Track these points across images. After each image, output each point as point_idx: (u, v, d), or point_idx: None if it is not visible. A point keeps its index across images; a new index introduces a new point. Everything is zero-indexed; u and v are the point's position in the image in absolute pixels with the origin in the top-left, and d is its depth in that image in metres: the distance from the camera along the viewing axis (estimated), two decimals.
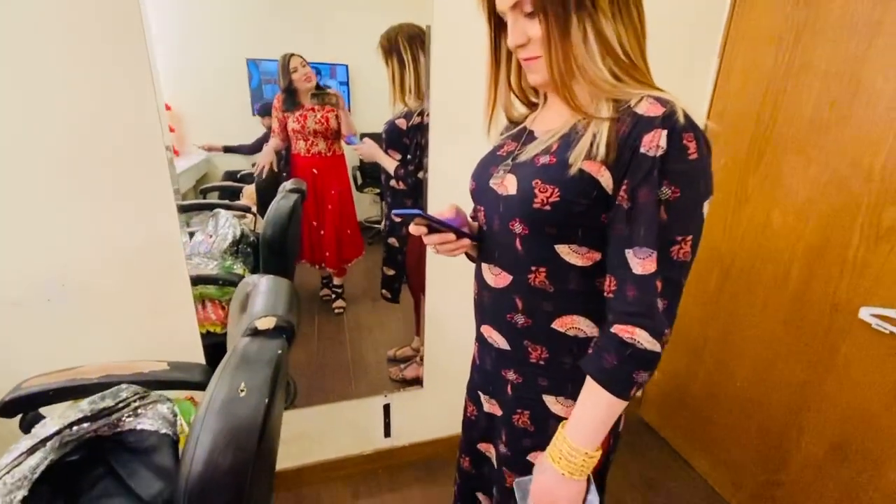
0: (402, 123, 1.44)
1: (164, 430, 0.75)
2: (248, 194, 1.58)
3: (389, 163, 1.48)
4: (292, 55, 1.37)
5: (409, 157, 1.46)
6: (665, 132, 0.55)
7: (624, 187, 0.58)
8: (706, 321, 1.59)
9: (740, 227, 1.45)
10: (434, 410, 1.66)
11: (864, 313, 1.09)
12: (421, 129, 1.39)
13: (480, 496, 0.94)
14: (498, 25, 0.70)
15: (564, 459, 0.64)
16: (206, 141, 1.40)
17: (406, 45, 1.37)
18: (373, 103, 1.47)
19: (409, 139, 1.45)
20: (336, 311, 1.71)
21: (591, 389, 0.63)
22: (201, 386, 0.94)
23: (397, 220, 1.60)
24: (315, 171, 1.54)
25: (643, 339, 0.58)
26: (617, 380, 0.61)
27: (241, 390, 0.59)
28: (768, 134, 1.33)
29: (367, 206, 1.66)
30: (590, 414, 0.64)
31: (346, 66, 1.44)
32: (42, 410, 0.90)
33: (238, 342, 0.67)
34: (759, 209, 1.38)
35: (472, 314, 0.82)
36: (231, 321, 0.92)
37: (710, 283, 1.56)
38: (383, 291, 1.69)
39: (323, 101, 1.42)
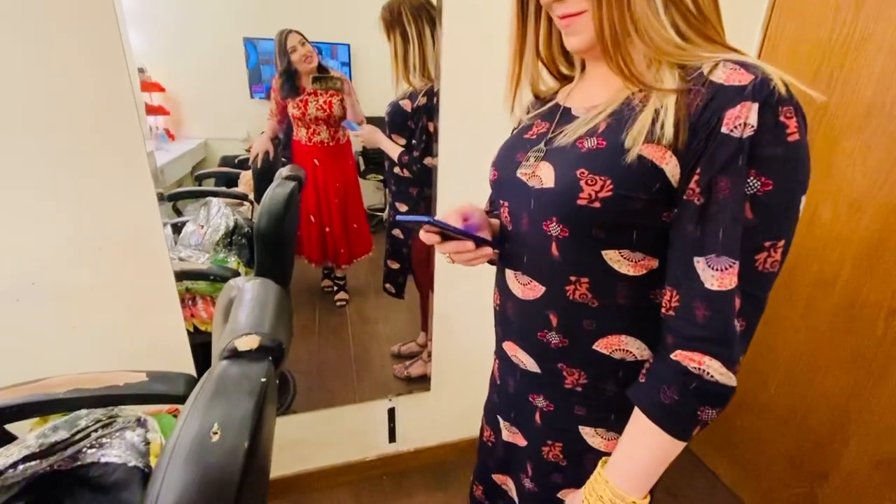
0: (406, 105, 1.31)
1: (132, 463, 0.65)
2: (246, 181, 1.48)
3: (393, 148, 1.35)
4: (290, 32, 1.24)
5: (413, 141, 1.33)
6: (756, 106, 0.42)
7: (696, 178, 0.46)
8: None
9: None
10: (441, 414, 1.56)
11: None
12: (427, 112, 1.26)
13: None
14: None
15: None
16: None
17: (410, 18, 1.23)
18: (376, 86, 1.35)
19: (414, 122, 1.32)
20: (338, 303, 1.62)
21: (643, 426, 0.51)
22: (185, 399, 0.84)
23: (409, 226, 1.49)
24: (317, 161, 1.42)
25: (714, 369, 0.47)
26: (677, 418, 0.49)
27: (215, 432, 0.48)
28: (819, 117, 1.18)
29: (370, 193, 1.56)
30: (639, 456, 0.52)
31: (348, 46, 1.32)
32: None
33: (214, 365, 0.56)
34: (807, 201, 1.24)
35: (486, 315, 0.70)
36: (214, 330, 0.81)
37: None
38: (387, 286, 1.58)
39: (327, 85, 1.29)
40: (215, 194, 1.44)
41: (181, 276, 1.19)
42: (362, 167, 1.55)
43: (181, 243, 1.38)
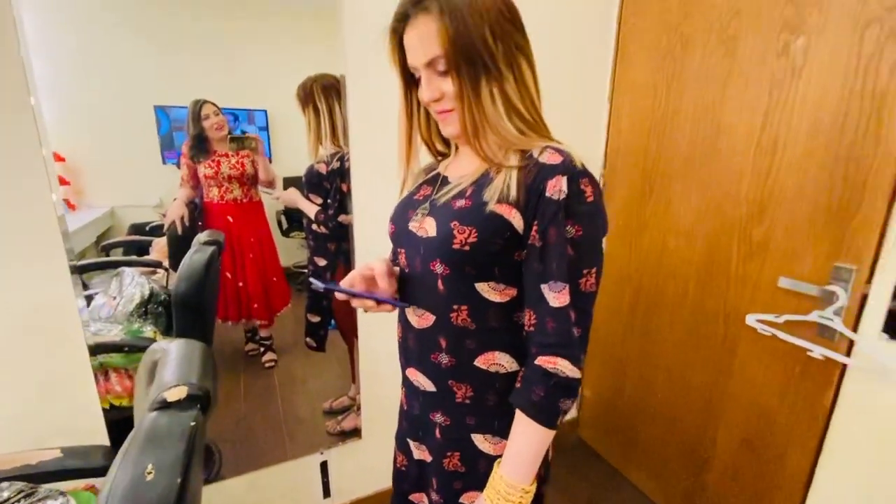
0: (321, 168, 1.45)
1: None
2: (159, 248, 1.47)
3: (310, 208, 1.47)
4: (205, 102, 1.33)
5: (329, 201, 1.46)
6: (565, 178, 0.62)
7: (535, 227, 0.64)
8: (625, 339, 1.71)
9: (643, 251, 1.60)
10: (375, 461, 1.59)
11: (750, 319, 1.23)
12: (340, 174, 1.41)
13: None
14: (409, 80, 0.74)
15: (503, 499, 0.65)
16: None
17: (321, 95, 1.39)
18: (294, 148, 1.46)
19: (329, 183, 1.45)
20: (266, 365, 1.60)
21: (522, 423, 0.65)
22: (103, 471, 0.84)
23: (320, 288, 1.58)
24: (230, 218, 1.47)
25: (565, 367, 0.63)
26: (545, 410, 0.64)
27: (149, 472, 0.53)
28: (656, 168, 1.51)
29: (294, 250, 1.60)
30: (522, 449, 0.66)
31: (265, 112, 1.42)
32: None
33: (144, 417, 0.61)
34: (656, 234, 1.54)
35: None
36: (137, 394, 0.84)
37: (623, 303, 1.70)
38: (307, 340, 1.61)
39: (242, 145, 1.39)
40: (127, 264, 1.42)
41: (95, 349, 1.17)
42: (285, 226, 1.62)
43: (91, 317, 1.35)
